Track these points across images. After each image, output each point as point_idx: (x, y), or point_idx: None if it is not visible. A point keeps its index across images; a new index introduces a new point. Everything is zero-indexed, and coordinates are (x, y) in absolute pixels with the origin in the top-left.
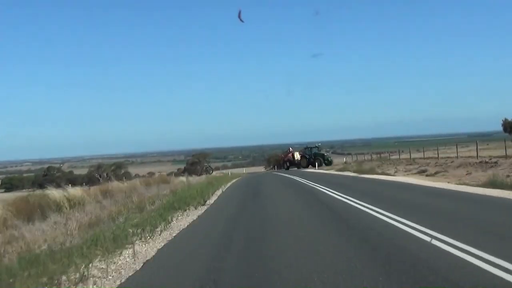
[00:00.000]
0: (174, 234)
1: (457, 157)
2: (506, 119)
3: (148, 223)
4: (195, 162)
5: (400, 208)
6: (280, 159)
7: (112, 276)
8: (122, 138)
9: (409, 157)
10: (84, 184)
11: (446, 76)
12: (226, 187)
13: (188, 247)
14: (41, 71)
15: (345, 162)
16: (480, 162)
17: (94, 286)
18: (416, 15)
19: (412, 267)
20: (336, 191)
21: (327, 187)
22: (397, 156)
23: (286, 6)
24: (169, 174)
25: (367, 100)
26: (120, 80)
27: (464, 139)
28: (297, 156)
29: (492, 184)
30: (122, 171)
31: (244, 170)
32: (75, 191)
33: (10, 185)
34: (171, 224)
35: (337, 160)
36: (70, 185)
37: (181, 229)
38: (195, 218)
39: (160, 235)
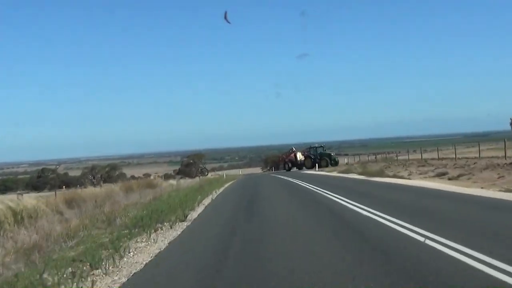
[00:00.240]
0: None
1: (479, 157)
2: None
3: (90, 256)
4: (190, 163)
5: (461, 232)
6: (280, 159)
7: None
8: (119, 139)
9: (418, 157)
10: (78, 186)
11: (443, 77)
12: (218, 193)
13: None
14: (40, 71)
15: (347, 163)
16: (511, 163)
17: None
18: (415, 15)
19: None
20: (353, 200)
21: (340, 195)
22: (404, 157)
23: (284, 6)
24: (163, 175)
25: (365, 101)
26: (116, 81)
27: (461, 139)
28: (299, 156)
29: None
30: (117, 173)
31: (240, 172)
32: (30, 200)
33: (4, 187)
34: (123, 261)
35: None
36: (64, 187)
37: (131, 273)
38: (162, 249)
39: None
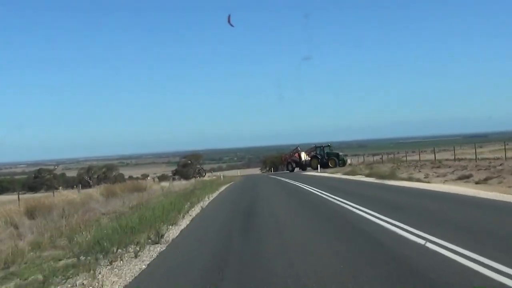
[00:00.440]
0: None
1: (505, 158)
2: None
3: None
4: (186, 164)
5: None
6: (283, 159)
7: None
8: (118, 139)
9: (429, 158)
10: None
11: (441, 78)
12: (211, 199)
13: None
14: (40, 72)
15: (351, 164)
16: None
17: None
18: (414, 16)
19: None
20: (377, 212)
21: (358, 204)
22: (412, 157)
23: (284, 8)
24: (159, 177)
25: (363, 102)
26: (116, 81)
27: (460, 140)
28: (304, 156)
29: None
30: (114, 173)
31: (239, 172)
32: None
33: (0, 187)
34: None
35: None
36: (60, 187)
37: None
38: None
39: None
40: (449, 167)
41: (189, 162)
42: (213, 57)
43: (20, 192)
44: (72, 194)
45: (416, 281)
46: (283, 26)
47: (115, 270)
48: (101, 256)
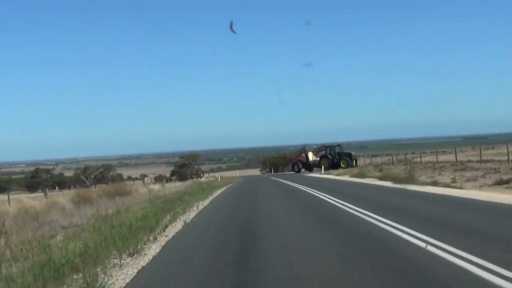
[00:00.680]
0: None
1: None
2: None
3: None
4: (184, 164)
5: None
6: (289, 160)
7: None
8: (117, 139)
9: (443, 159)
10: (71, 187)
11: (440, 79)
12: (200, 208)
13: None
14: (40, 72)
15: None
16: None
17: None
18: (414, 17)
19: None
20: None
21: (393, 220)
22: (424, 159)
23: (284, 8)
24: (156, 177)
25: (363, 102)
26: (116, 81)
27: (460, 141)
28: (311, 156)
29: None
30: (111, 174)
31: (238, 173)
32: None
33: None
34: None
35: None
36: (57, 188)
37: None
38: None
39: None
40: (476, 169)
41: (187, 162)
42: (213, 57)
43: (17, 192)
44: (33, 201)
45: None
46: (282, 26)
47: None
48: None
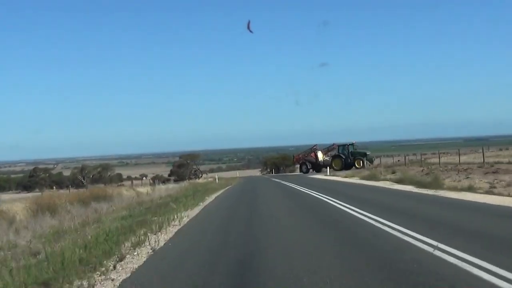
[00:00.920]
0: None
1: None
2: None
3: None
4: (182, 164)
5: None
6: (296, 159)
7: None
8: (117, 139)
9: (465, 160)
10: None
11: (440, 80)
12: (187, 220)
13: None
14: (39, 72)
15: (363, 166)
16: None
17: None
18: (412, 19)
19: None
20: None
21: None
22: (442, 159)
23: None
24: (153, 178)
25: (363, 103)
26: (114, 82)
27: (461, 143)
28: (321, 156)
29: None
30: (109, 173)
31: (237, 174)
32: None
33: None
34: None
35: None
36: (54, 187)
37: None
38: None
39: None
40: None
41: (186, 162)
42: (213, 57)
43: (14, 192)
44: None
45: None
46: (282, 26)
47: None
48: None
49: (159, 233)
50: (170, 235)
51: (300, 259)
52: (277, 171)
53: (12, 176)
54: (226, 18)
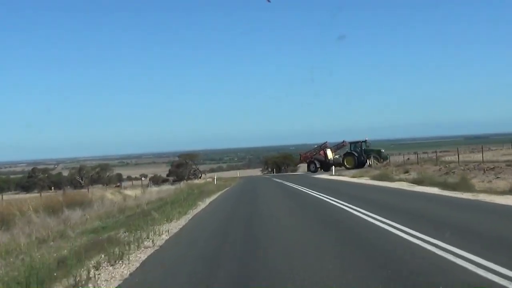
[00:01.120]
0: None
1: None
2: None
3: None
4: (181, 164)
5: None
6: (303, 158)
7: None
8: (118, 139)
9: (491, 158)
10: (67, 187)
11: (440, 79)
12: (166, 238)
13: None
14: (39, 72)
15: (370, 165)
16: None
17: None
18: (412, 19)
19: None
20: None
21: None
22: (450, 157)
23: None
24: (151, 178)
25: (363, 103)
26: (115, 82)
27: (462, 141)
28: (330, 154)
29: None
30: (108, 173)
31: (238, 174)
32: None
33: None
34: None
35: None
36: (53, 188)
37: None
38: None
39: None
40: None
41: (185, 162)
42: (213, 57)
43: (13, 192)
44: None
45: None
46: (282, 26)
47: None
48: None
49: (120, 262)
50: (133, 266)
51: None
52: (278, 170)
53: (12, 176)
54: (226, 18)
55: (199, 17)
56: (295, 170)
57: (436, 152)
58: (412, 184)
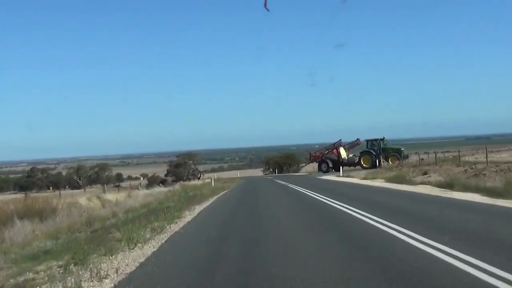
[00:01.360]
0: None
1: None
2: None
3: None
4: (180, 164)
5: None
6: (313, 158)
7: None
8: (119, 139)
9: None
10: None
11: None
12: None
13: None
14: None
15: (380, 166)
16: None
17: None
18: (412, 19)
19: None
20: None
21: None
22: (470, 158)
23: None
24: (149, 178)
25: (363, 102)
26: (115, 81)
27: (463, 141)
28: (344, 153)
29: None
30: (106, 173)
31: (238, 174)
32: None
33: None
34: None
35: None
36: (51, 188)
37: None
38: None
39: None
40: None
41: (183, 162)
42: (214, 57)
43: (12, 192)
44: None
45: None
46: (282, 26)
47: None
48: None
49: None
50: None
51: None
52: (280, 171)
53: (11, 176)
54: (226, 18)
55: (199, 17)
56: (297, 171)
57: (435, 152)
58: (441, 189)
